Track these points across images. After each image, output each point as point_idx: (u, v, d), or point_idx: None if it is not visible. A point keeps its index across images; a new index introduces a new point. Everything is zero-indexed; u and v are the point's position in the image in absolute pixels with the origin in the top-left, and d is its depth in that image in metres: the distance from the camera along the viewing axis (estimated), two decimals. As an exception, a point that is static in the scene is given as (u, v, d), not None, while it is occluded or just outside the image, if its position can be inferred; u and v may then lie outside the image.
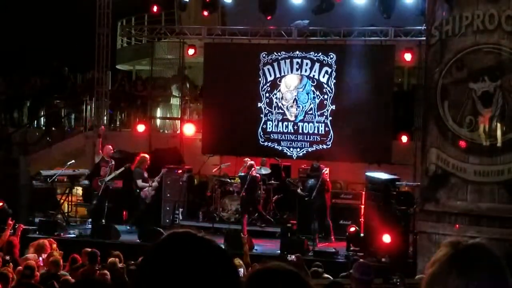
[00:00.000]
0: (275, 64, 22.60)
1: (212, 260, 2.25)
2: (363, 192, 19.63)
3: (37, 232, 18.68)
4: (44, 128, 27.31)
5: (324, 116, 22.13)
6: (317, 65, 22.23)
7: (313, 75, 22.25)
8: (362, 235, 18.16)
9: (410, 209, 17.23)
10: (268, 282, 2.51)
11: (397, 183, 18.03)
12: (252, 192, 20.07)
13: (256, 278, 2.55)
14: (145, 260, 2.30)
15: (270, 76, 22.61)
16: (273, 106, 22.55)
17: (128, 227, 20.16)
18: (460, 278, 2.42)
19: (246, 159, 20.77)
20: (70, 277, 11.25)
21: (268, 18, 22.10)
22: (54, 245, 14.46)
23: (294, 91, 22.40)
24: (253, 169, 20.07)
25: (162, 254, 2.27)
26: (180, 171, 21.33)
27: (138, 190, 20.26)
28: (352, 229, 17.96)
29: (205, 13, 22.88)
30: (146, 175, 20.33)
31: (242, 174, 20.28)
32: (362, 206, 19.61)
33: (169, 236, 2.33)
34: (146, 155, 20.66)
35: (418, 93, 21.09)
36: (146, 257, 2.30)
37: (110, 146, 20.75)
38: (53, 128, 26.91)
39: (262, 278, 2.55)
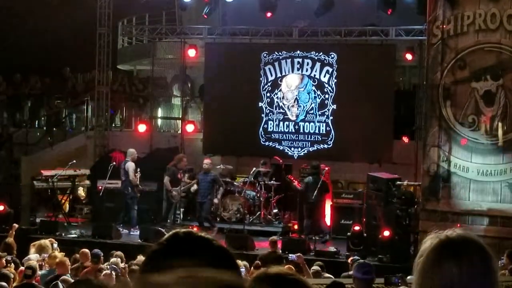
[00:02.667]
0: (276, 64, 22.58)
1: (214, 259, 2.23)
2: (365, 192, 19.60)
3: (38, 232, 18.67)
4: (45, 128, 27.28)
5: (325, 116, 22.10)
6: (318, 65, 22.20)
7: (314, 75, 22.23)
8: (365, 235, 18.11)
9: (411, 209, 17.22)
10: None
11: (398, 182, 18.01)
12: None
13: (259, 283, 2.54)
14: (147, 260, 2.28)
15: (271, 75, 22.59)
16: (274, 105, 22.53)
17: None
18: (453, 261, 2.54)
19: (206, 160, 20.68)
20: (69, 278, 11.23)
21: (267, 15, 22.05)
22: (55, 245, 14.47)
23: (295, 91, 22.37)
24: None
25: (164, 254, 2.25)
26: (181, 171, 21.30)
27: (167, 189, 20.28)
28: (357, 227, 17.89)
29: (205, 15, 22.94)
30: (180, 175, 20.31)
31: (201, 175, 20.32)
32: (364, 206, 19.57)
33: (171, 236, 2.31)
34: (182, 155, 20.71)
35: (419, 92, 21.07)
36: (148, 256, 2.28)
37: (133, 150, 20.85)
38: (54, 128, 26.88)
39: (265, 284, 2.53)
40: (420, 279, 2.59)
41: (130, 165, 20.12)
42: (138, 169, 20.17)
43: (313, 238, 18.42)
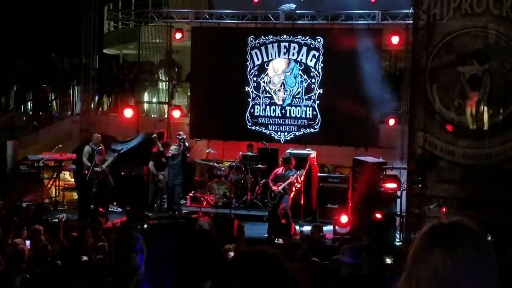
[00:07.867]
0: (263, 48, 22.57)
1: (195, 241, 2.25)
2: (350, 176, 19.62)
3: (24, 217, 18.58)
4: (31, 112, 27.20)
5: (312, 100, 22.14)
6: (304, 49, 22.21)
7: (301, 59, 22.24)
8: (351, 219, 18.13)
9: (397, 193, 17.25)
10: (245, 266, 2.53)
11: (384, 166, 18.04)
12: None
13: (236, 261, 2.57)
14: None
15: (258, 60, 22.58)
16: (261, 90, 22.54)
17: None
18: (437, 248, 2.45)
19: (180, 132, 20.36)
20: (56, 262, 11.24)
21: (255, 1, 21.97)
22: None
23: (282, 75, 22.38)
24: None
25: (149, 239, 2.27)
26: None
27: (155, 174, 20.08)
28: (345, 220, 17.82)
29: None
30: (163, 159, 20.03)
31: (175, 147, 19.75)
32: (350, 190, 19.58)
33: (154, 223, 2.33)
34: (156, 136, 20.37)
35: (405, 76, 21.10)
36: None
37: (98, 135, 20.47)
38: (40, 113, 26.79)
39: (241, 262, 2.56)
40: (408, 269, 2.51)
41: (85, 148, 19.96)
42: (107, 158, 20.12)
43: (300, 222, 18.46)
